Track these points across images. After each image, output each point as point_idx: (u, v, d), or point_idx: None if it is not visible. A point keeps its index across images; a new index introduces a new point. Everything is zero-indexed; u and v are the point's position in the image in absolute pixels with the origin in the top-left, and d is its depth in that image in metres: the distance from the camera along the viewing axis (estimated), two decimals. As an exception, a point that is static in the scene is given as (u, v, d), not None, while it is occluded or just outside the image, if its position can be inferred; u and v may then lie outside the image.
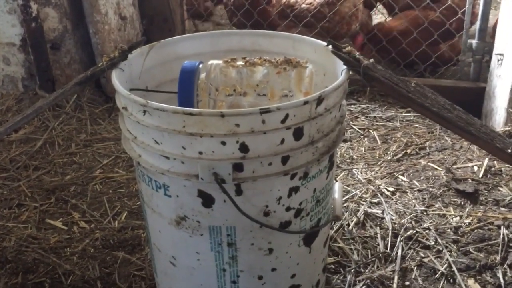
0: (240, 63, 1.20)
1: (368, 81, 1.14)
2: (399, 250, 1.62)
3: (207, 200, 1.07)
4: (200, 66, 1.20)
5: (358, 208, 1.83)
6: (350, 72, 1.15)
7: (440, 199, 1.87)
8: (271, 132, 0.99)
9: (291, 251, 1.18)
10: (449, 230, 1.71)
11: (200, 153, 1.00)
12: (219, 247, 1.13)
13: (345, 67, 1.14)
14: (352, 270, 1.55)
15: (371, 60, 1.17)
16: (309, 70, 1.17)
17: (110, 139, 2.37)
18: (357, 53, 1.16)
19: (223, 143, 0.98)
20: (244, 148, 0.99)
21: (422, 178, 2.01)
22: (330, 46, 1.21)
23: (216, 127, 0.97)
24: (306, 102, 1.00)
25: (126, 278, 1.55)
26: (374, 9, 3.47)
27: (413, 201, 1.86)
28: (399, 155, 2.18)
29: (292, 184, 1.09)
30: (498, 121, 2.31)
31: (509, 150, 1.19)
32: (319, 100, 1.02)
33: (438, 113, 1.15)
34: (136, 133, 1.08)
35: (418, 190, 1.93)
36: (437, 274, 1.53)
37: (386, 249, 1.63)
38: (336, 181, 1.65)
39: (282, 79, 1.17)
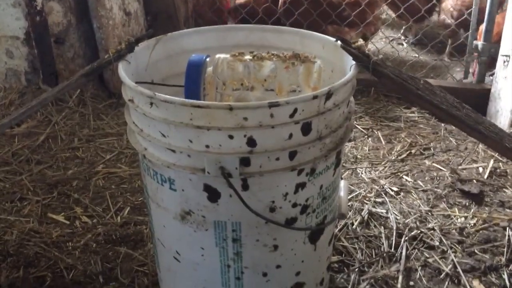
0: (248, 57, 1.18)
1: (377, 77, 1.13)
2: (404, 250, 1.61)
3: (213, 195, 1.05)
4: (208, 59, 1.19)
5: (362, 207, 1.82)
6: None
7: (445, 199, 1.86)
8: (279, 127, 0.98)
9: (296, 248, 1.17)
10: (454, 230, 1.69)
11: (207, 146, 0.99)
12: (224, 243, 1.11)
13: (354, 62, 1.13)
14: (356, 269, 1.54)
15: (380, 56, 1.16)
16: (317, 65, 1.16)
17: (113, 134, 2.36)
18: (366, 49, 1.15)
19: (231, 136, 0.97)
20: (251, 142, 0.98)
21: (426, 178, 1.99)
22: (339, 42, 1.20)
23: (224, 120, 0.96)
24: (315, 97, 0.99)
25: (129, 273, 1.53)
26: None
27: (418, 201, 1.85)
28: (403, 155, 2.17)
29: (299, 180, 1.07)
30: (503, 123, 2.29)
31: (518, 150, 1.18)
32: (328, 95, 1.01)
33: (448, 111, 1.14)
34: (142, 126, 1.07)
35: (423, 190, 1.91)
36: (442, 275, 1.52)
37: (391, 248, 1.62)
38: (342, 179, 1.64)
39: (290, 74, 1.16)
